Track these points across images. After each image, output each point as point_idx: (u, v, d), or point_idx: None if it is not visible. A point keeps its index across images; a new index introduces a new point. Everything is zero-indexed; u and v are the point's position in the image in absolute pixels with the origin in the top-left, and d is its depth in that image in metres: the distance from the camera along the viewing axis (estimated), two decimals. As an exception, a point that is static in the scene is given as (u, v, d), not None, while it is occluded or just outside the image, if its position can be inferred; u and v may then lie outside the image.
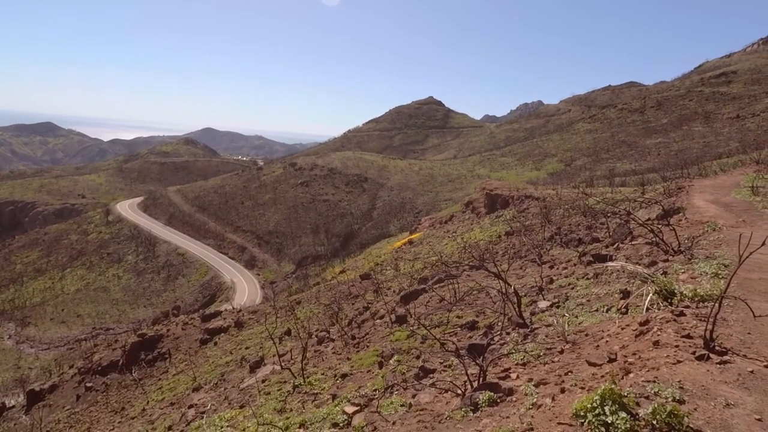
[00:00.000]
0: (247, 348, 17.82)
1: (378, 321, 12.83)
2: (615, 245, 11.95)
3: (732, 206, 13.36)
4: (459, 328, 8.93)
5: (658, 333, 4.08)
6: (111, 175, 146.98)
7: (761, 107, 79.70)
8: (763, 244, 4.19)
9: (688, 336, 3.86)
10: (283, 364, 11.41)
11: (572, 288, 8.47)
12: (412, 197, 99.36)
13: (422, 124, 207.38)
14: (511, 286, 7.56)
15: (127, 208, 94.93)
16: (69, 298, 64.95)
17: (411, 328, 10.57)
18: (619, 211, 15.11)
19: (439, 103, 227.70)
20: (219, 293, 56.88)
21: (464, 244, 24.86)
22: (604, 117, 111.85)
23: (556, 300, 8.08)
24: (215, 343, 21.25)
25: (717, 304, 3.81)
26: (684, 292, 4.95)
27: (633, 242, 11.38)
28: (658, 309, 4.86)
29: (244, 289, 56.82)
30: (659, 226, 10.54)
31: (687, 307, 4.69)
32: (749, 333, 3.92)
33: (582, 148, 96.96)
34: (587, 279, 9.28)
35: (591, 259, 11.19)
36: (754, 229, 9.95)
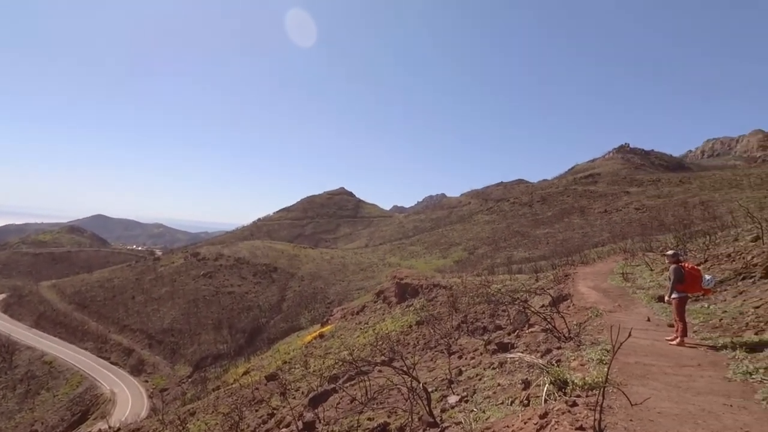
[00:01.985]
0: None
1: (284, 430, 11.67)
2: (516, 333, 12.55)
3: (609, 292, 15.00)
4: (369, 432, 8.41)
5: (556, 426, 4.21)
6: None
7: (622, 203, 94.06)
8: (629, 335, 4.68)
9: (581, 428, 4.02)
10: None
11: (480, 379, 8.57)
12: (323, 287, 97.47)
13: (334, 213, 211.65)
14: (419, 382, 7.45)
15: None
16: None
17: (319, 436, 9.75)
18: (517, 299, 16.12)
19: (350, 194, 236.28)
20: (94, 408, 48.17)
21: (376, 335, 24.45)
22: (500, 209, 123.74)
23: (465, 393, 8.08)
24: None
25: (600, 394, 4.08)
26: (575, 381, 5.25)
27: (531, 329, 12.07)
28: (555, 399, 5.07)
29: (127, 400, 48.91)
30: (552, 314, 11.37)
31: (579, 396, 4.96)
32: (631, 420, 4.21)
33: (483, 237, 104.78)
34: (493, 369, 9.49)
35: (495, 347, 11.58)
36: (627, 313, 11.18)
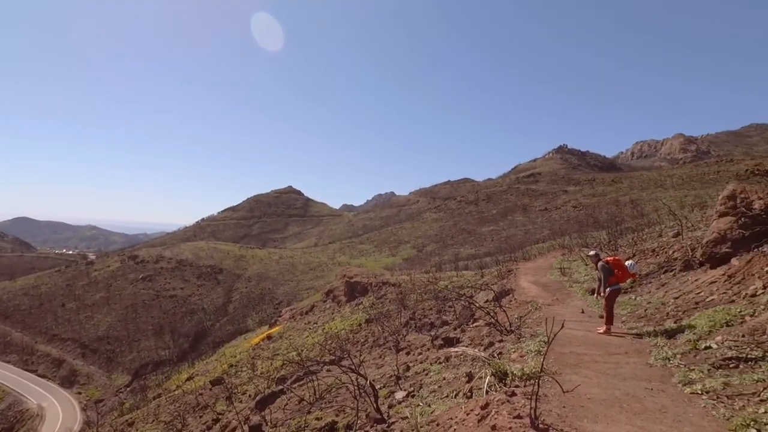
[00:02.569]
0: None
1: (229, 435, 11.32)
2: (461, 327, 12.92)
3: (548, 286, 15.79)
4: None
5: (495, 416, 4.37)
6: None
7: (560, 202, 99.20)
8: (562, 326, 4.95)
9: (518, 416, 4.21)
10: None
11: (426, 374, 8.74)
12: (272, 287, 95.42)
13: (282, 212, 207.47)
14: (366, 380, 7.47)
15: None
16: None
17: (265, 439, 9.54)
18: (463, 295, 16.57)
19: (299, 192, 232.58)
20: (19, 425, 44.26)
21: (325, 335, 24.27)
22: (447, 208, 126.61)
23: (412, 388, 8.20)
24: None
25: (536, 383, 4.30)
26: (515, 372, 5.48)
27: (476, 324, 12.45)
28: (496, 390, 5.26)
29: (58, 414, 45.32)
30: (495, 308, 11.80)
31: (517, 386, 5.18)
32: (564, 407, 4.46)
33: (431, 235, 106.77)
34: (439, 363, 9.71)
35: (442, 342, 11.85)
36: (564, 306, 11.81)
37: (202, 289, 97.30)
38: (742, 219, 10.11)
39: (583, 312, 10.40)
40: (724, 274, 9.46)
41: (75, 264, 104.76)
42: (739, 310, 7.17)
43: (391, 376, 10.37)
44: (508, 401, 4.78)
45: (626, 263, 8.50)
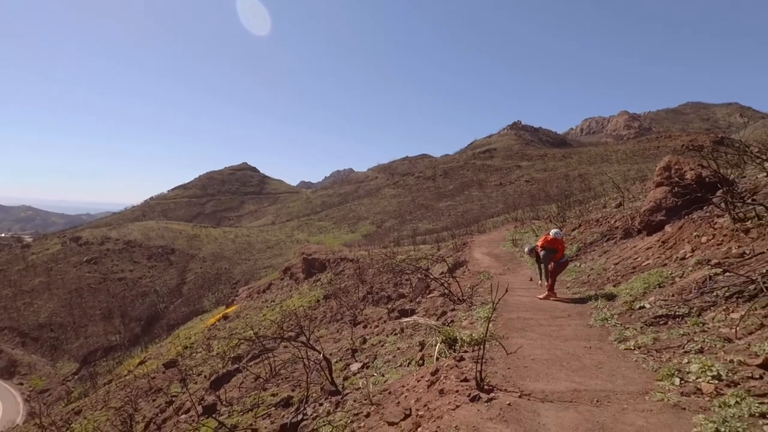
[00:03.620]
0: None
1: (183, 416, 11.09)
2: (417, 299, 13.16)
3: (500, 257, 16.32)
4: (273, 408, 8.30)
5: (444, 381, 4.48)
6: None
7: (514, 176, 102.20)
8: (506, 291, 5.10)
9: (465, 380, 4.32)
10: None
11: (382, 345, 8.85)
12: (228, 267, 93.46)
13: (237, 190, 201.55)
14: (320, 353, 7.47)
15: None
16: None
17: (219, 418, 9.41)
18: (420, 268, 16.84)
19: (254, 169, 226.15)
20: (-46, 419, 41.64)
21: (283, 312, 24.10)
22: (405, 183, 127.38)
23: (368, 360, 8.29)
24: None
25: (482, 347, 4.42)
26: (463, 338, 5.63)
27: (431, 295, 12.71)
28: (446, 357, 5.38)
29: (-3, 408, 42.94)
30: (449, 279, 12.06)
31: (466, 351, 5.33)
32: (509, 368, 4.63)
33: (389, 211, 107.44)
34: (395, 334, 9.86)
35: (398, 314, 12.03)
36: (514, 275, 12.25)
37: (154, 271, 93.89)
38: (676, 189, 10.74)
39: (531, 280, 10.82)
40: (658, 240, 10.07)
41: (9, 247, 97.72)
42: (670, 272, 7.66)
43: (347, 350, 10.44)
44: (456, 366, 4.90)
45: (551, 233, 8.88)
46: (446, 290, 10.40)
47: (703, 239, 8.32)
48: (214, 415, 10.04)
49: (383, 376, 6.42)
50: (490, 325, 6.60)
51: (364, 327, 13.27)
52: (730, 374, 3.72)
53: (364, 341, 10.79)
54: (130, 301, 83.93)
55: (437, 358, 5.47)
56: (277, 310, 26.00)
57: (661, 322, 5.63)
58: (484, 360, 4.43)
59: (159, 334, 63.40)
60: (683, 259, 8.14)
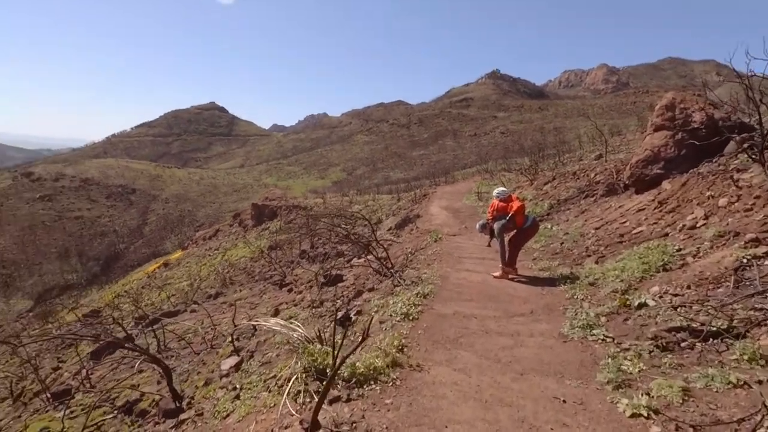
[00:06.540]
0: None
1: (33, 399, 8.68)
2: (352, 261, 10.81)
3: (460, 212, 13.96)
4: (112, 415, 5.94)
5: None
6: None
7: (490, 127, 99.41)
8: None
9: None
10: None
11: (274, 336, 6.45)
12: (192, 209, 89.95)
13: (204, 130, 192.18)
14: (161, 361, 5.00)
15: None
16: None
17: (67, 411, 7.05)
18: (368, 222, 14.41)
19: (223, 110, 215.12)
20: None
21: (224, 263, 21.63)
22: (379, 130, 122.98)
23: (251, 353, 5.94)
24: None
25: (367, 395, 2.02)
26: (342, 370, 3.20)
27: (369, 257, 10.35)
28: (308, 398, 2.98)
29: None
30: (390, 241, 9.64)
31: (343, 392, 2.94)
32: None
33: (362, 158, 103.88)
34: (311, 308, 7.55)
35: (324, 280, 9.69)
36: (470, 236, 9.88)
37: (113, 210, 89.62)
38: (680, 134, 8.37)
39: (489, 246, 8.40)
40: (653, 200, 7.80)
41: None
42: (677, 247, 5.38)
43: (247, 327, 8.09)
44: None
45: (494, 194, 6.41)
46: (385, 253, 7.96)
47: (722, 201, 6.02)
48: (61, 407, 7.65)
49: (233, 402, 4.03)
50: (410, 325, 4.21)
51: (289, 291, 10.98)
52: None
53: (277, 312, 8.49)
54: (88, 240, 79.99)
55: (294, 397, 3.06)
56: (218, 259, 23.48)
57: (682, 344, 3.34)
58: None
59: (118, 274, 60.71)
60: (693, 228, 5.86)
